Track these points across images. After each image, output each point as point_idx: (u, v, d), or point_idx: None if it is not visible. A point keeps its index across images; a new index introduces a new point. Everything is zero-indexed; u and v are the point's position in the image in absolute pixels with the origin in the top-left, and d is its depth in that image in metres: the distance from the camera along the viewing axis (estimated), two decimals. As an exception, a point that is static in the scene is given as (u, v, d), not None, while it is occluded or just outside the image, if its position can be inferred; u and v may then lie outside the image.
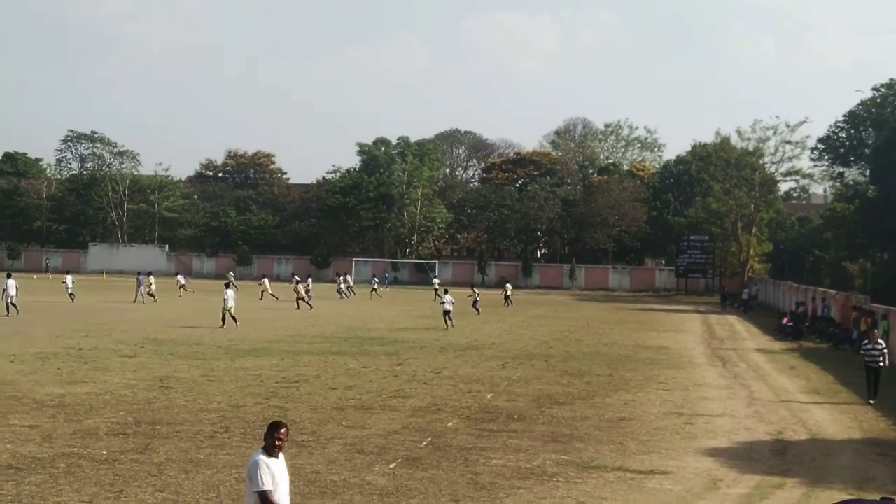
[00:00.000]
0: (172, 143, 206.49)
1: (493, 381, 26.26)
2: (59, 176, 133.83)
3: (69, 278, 59.08)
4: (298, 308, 54.34)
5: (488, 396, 23.24)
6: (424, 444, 17.22)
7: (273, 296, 64.09)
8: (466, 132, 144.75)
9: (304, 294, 56.58)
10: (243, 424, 18.53)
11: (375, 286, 78.68)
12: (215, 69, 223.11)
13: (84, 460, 15.15)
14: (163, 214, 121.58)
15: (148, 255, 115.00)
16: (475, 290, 62.51)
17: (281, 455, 8.88)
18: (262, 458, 8.70)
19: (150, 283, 60.30)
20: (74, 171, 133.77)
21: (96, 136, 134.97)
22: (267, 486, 8.50)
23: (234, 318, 41.68)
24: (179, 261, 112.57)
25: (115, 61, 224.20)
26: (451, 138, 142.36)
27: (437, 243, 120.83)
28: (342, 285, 72.19)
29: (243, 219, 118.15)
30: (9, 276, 47.74)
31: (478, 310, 55.62)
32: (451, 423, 19.32)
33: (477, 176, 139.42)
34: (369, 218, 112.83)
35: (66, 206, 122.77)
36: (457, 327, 44.33)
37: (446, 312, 45.20)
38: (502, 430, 18.86)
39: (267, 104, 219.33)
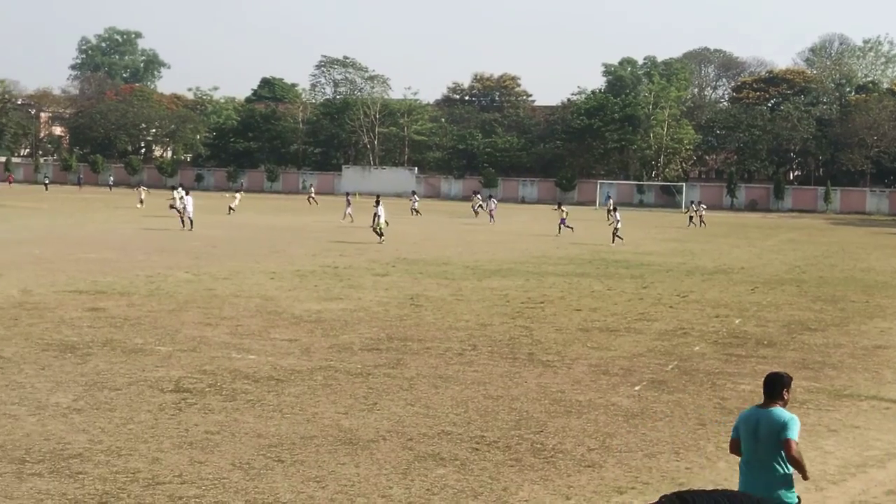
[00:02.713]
0: (421, 68, 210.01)
1: (742, 305, 25.75)
2: (313, 100, 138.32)
3: (180, 196, 51.70)
4: (183, 227, 48.30)
5: (736, 321, 22.83)
6: (670, 367, 17.13)
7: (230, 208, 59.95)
8: (716, 50, 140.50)
9: (180, 209, 50.55)
10: (490, 343, 18.90)
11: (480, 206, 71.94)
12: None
13: (340, 373, 15.82)
14: (412, 137, 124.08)
15: (398, 177, 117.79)
16: (563, 208, 56.14)
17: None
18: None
19: (173, 198, 55.43)
20: (328, 96, 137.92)
21: (348, 61, 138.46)
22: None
23: (380, 233, 42.87)
24: (428, 183, 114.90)
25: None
26: (699, 57, 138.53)
27: (684, 165, 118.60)
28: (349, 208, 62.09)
29: (489, 141, 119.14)
30: (187, 193, 49.77)
31: (568, 227, 53.10)
32: (697, 348, 19.12)
33: (726, 96, 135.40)
34: (614, 140, 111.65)
35: (320, 129, 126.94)
36: (704, 251, 43.67)
37: (615, 230, 47.11)
38: (751, 355, 18.52)
39: (512, 26, 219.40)
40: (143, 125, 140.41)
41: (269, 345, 18.16)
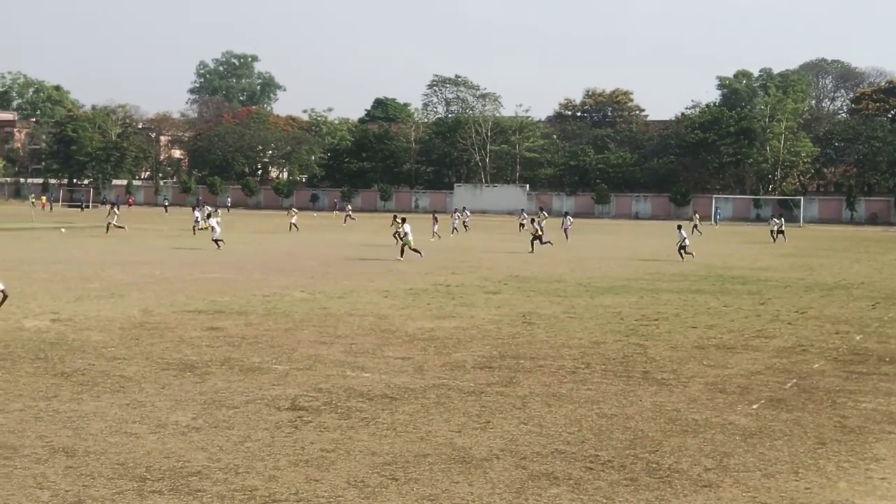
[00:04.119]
0: (532, 84, 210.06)
1: (863, 321, 25.12)
2: (425, 120, 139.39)
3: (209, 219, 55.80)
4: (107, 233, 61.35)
5: (857, 338, 22.27)
6: (789, 385, 16.77)
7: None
8: (833, 61, 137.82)
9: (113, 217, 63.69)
10: (604, 361, 18.73)
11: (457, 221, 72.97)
12: (573, 8, 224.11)
13: (453, 391, 15.83)
14: (523, 155, 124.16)
15: (509, 194, 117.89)
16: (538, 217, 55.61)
17: None
18: None
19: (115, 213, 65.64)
20: (440, 115, 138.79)
21: (460, 79, 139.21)
22: None
23: (414, 249, 43.50)
24: (540, 200, 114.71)
25: (477, 4, 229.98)
26: (816, 68, 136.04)
27: (801, 178, 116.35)
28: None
29: (601, 157, 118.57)
30: (209, 217, 52.03)
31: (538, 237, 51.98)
32: (817, 365, 18.69)
33: (845, 107, 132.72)
34: (730, 153, 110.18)
35: (432, 148, 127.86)
36: (823, 266, 42.81)
37: (682, 247, 45.34)
38: (872, 372, 18.03)
39: (624, 41, 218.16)
40: (260, 147, 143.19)
41: (383, 363, 18.26)
